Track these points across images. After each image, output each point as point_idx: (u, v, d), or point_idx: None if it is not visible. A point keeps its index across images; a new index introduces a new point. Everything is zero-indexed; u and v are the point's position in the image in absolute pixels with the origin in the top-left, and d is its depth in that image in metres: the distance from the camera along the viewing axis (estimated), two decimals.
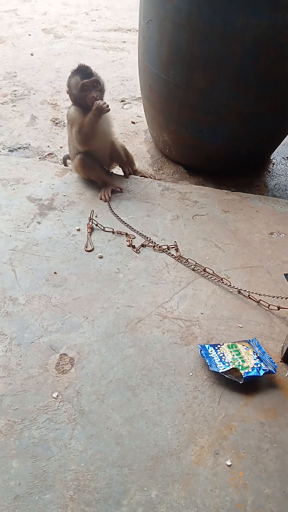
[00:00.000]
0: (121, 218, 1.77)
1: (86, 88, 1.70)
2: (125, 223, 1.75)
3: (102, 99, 1.73)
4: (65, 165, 2.06)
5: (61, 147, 2.28)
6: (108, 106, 1.72)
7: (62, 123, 2.47)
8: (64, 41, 3.37)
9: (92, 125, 1.74)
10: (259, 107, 1.80)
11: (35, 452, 1.08)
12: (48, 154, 2.25)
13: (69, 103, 2.62)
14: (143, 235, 1.70)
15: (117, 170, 2.06)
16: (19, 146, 2.27)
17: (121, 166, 2.01)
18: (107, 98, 2.70)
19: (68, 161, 2.01)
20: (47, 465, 1.06)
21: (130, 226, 1.73)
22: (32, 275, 1.52)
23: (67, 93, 1.79)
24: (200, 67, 1.74)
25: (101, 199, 1.86)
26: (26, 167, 2.01)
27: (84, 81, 1.69)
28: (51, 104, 2.63)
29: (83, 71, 1.71)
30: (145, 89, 2.08)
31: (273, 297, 1.46)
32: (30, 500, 1.00)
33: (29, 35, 3.41)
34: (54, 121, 2.48)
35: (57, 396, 1.19)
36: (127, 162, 2.00)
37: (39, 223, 1.73)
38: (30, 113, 2.54)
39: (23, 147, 2.27)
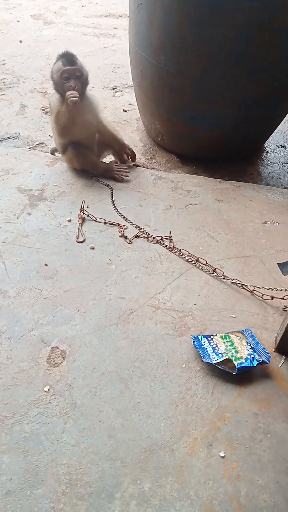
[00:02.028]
0: (117, 208, 1.74)
1: (66, 77, 1.63)
2: (120, 213, 1.72)
3: (80, 91, 1.64)
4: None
5: (51, 136, 2.23)
6: (76, 98, 1.61)
7: None
8: (53, 27, 3.29)
9: (66, 117, 1.68)
10: (252, 93, 1.77)
11: (26, 446, 1.06)
12: (38, 144, 2.20)
13: None
14: (136, 225, 1.67)
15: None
16: (8, 136, 2.23)
17: (116, 153, 1.97)
18: (98, 86, 2.66)
19: (57, 153, 1.97)
20: (38, 460, 1.04)
21: (124, 216, 1.71)
22: (22, 267, 1.49)
23: (50, 78, 1.71)
24: (192, 52, 1.69)
25: (120, 180, 1.86)
26: (16, 157, 1.97)
27: (65, 67, 1.62)
28: (41, 92, 2.57)
29: (67, 58, 1.64)
30: (136, 76, 2.04)
31: (267, 287, 1.44)
32: (22, 495, 0.99)
33: (18, 21, 3.33)
34: (44, 110, 2.43)
35: (48, 389, 1.17)
36: (121, 149, 1.95)
37: (29, 214, 1.70)
38: (20, 101, 2.48)
39: (13, 137, 2.22)
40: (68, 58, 1.63)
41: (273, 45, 1.62)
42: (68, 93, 1.63)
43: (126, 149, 1.94)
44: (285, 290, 1.44)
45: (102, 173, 1.88)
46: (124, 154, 1.96)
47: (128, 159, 1.98)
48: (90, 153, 1.84)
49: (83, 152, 1.82)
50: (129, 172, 1.88)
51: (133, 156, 1.97)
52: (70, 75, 1.63)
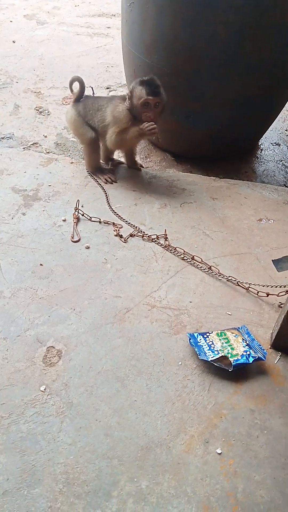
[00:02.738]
0: (110, 206, 1.74)
1: (146, 105, 1.64)
2: (115, 212, 1.72)
3: (156, 122, 1.67)
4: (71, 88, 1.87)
5: (45, 136, 2.23)
6: (155, 131, 1.68)
7: (46, 111, 2.41)
8: (47, 27, 3.28)
9: (131, 140, 1.74)
10: (245, 91, 1.77)
11: (23, 446, 1.06)
12: (33, 144, 2.20)
13: (53, 91, 2.58)
14: (131, 224, 1.67)
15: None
16: (2, 136, 2.22)
17: (127, 159, 2.00)
18: (92, 86, 2.65)
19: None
20: (35, 459, 1.04)
21: (119, 215, 1.71)
22: (17, 268, 1.49)
23: (127, 96, 1.69)
24: (184, 50, 1.70)
25: (106, 183, 1.86)
26: (10, 157, 1.97)
27: (149, 97, 1.62)
28: (35, 92, 2.57)
29: (151, 86, 1.63)
30: (129, 75, 2.04)
31: (263, 284, 1.45)
32: (19, 495, 0.98)
33: (11, 21, 3.32)
34: (38, 110, 2.42)
35: (44, 389, 1.17)
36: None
37: (24, 214, 1.70)
38: (13, 101, 2.48)
39: (6, 137, 2.22)
40: (153, 86, 1.63)
41: (265, 43, 1.62)
42: (146, 125, 1.66)
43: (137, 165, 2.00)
44: (280, 287, 1.44)
45: (94, 170, 1.89)
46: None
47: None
48: (99, 153, 1.90)
49: (97, 150, 1.87)
50: (115, 181, 1.89)
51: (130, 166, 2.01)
52: (151, 105, 1.65)
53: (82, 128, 1.80)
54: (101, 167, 1.92)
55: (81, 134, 1.81)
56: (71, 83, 1.82)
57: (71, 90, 1.84)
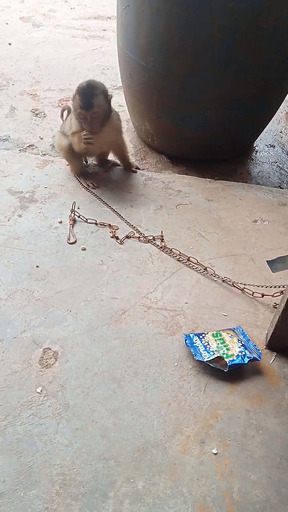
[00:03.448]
0: (106, 208, 1.75)
1: (82, 117, 1.64)
2: (115, 211, 1.73)
3: (97, 128, 1.66)
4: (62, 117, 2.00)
5: (41, 138, 2.24)
6: (90, 141, 1.66)
7: (42, 113, 2.42)
8: (42, 29, 3.29)
9: (77, 145, 1.73)
10: (240, 93, 1.78)
11: (19, 448, 1.06)
12: (29, 146, 2.20)
13: (49, 93, 2.59)
14: (130, 224, 1.68)
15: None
16: None
17: (120, 161, 1.99)
18: None
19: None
20: (32, 461, 1.04)
21: (120, 215, 1.71)
22: (13, 269, 1.49)
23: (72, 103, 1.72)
24: (179, 53, 1.71)
25: (88, 187, 1.85)
26: (6, 159, 1.97)
27: (81, 111, 1.62)
28: (31, 94, 2.57)
29: (86, 97, 1.60)
30: (125, 77, 2.04)
31: (258, 285, 1.46)
32: (15, 497, 0.99)
33: (7, 23, 3.33)
34: (34, 112, 2.43)
35: (41, 390, 1.17)
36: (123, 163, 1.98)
37: (20, 216, 1.70)
38: (9, 104, 2.48)
39: (3, 139, 2.22)
40: (87, 98, 1.60)
41: (260, 46, 1.63)
42: (83, 133, 1.66)
43: (132, 167, 1.99)
44: (275, 287, 1.45)
45: (78, 174, 1.90)
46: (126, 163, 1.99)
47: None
48: (80, 158, 1.89)
49: (77, 157, 1.86)
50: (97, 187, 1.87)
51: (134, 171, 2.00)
52: (87, 117, 1.63)
53: (60, 139, 1.84)
54: (85, 172, 1.92)
55: (59, 144, 1.85)
56: (62, 112, 1.99)
57: (62, 118, 1.97)
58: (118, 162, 2.00)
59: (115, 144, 1.87)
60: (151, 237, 1.63)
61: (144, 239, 1.63)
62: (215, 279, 1.50)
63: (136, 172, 1.98)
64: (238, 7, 1.52)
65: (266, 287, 1.45)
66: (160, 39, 1.71)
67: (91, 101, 1.61)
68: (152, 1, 1.64)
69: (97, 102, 1.62)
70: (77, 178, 1.88)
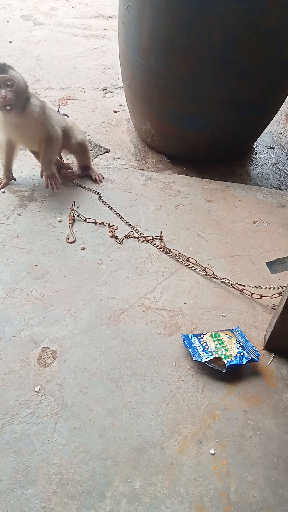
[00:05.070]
0: (106, 208, 1.75)
1: None
2: (115, 211, 1.72)
3: (13, 102, 1.51)
4: None
5: None
6: (9, 108, 1.52)
7: None
8: (43, 28, 3.29)
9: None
10: (240, 94, 1.79)
11: (17, 447, 1.06)
12: None
13: (50, 92, 2.59)
14: (130, 224, 1.68)
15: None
16: None
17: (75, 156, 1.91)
18: (88, 87, 2.67)
19: None
20: (29, 460, 1.04)
21: (120, 215, 1.71)
22: (12, 268, 1.49)
23: None
24: (181, 53, 1.71)
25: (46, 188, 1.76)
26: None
27: None
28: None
29: None
30: (126, 77, 2.05)
31: (256, 286, 1.46)
32: (13, 496, 0.99)
33: (8, 22, 3.32)
34: None
35: (39, 390, 1.17)
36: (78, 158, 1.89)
37: (19, 214, 1.70)
38: None
39: None
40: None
41: (260, 47, 1.63)
42: None
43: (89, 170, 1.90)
44: (274, 289, 1.45)
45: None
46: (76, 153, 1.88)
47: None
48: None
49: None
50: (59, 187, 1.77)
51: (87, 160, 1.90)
52: (1, 83, 1.49)
53: None
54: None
55: None
56: None
57: None
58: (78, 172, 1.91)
59: (47, 130, 1.69)
60: (151, 237, 1.63)
61: (144, 239, 1.63)
62: (214, 279, 1.50)
63: (96, 181, 1.88)
64: (240, 8, 1.52)
65: (265, 288, 1.46)
66: (162, 40, 1.71)
67: (4, 68, 1.50)
68: (154, 2, 1.64)
69: (10, 71, 1.52)
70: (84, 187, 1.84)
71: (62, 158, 1.95)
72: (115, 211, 1.74)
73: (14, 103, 1.54)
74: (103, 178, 1.92)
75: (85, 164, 1.90)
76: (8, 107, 1.53)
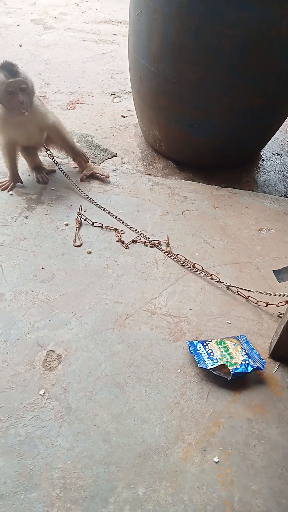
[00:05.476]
0: (112, 212, 1.75)
1: (12, 91, 1.55)
2: (117, 217, 1.73)
3: (27, 106, 1.59)
4: None
5: None
6: (25, 112, 1.59)
7: None
8: (53, 32, 3.31)
9: (11, 129, 1.68)
10: (249, 102, 1.79)
11: (21, 450, 1.06)
12: None
13: (58, 95, 2.60)
14: (134, 229, 1.68)
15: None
16: None
17: (73, 159, 1.95)
18: (96, 91, 2.69)
19: None
20: (33, 463, 1.04)
21: (122, 221, 1.72)
22: (19, 270, 1.49)
23: None
24: (190, 60, 1.72)
25: (38, 182, 1.85)
26: None
27: (10, 81, 1.53)
28: (40, 96, 2.57)
29: (8, 69, 1.54)
30: (135, 82, 2.06)
31: (262, 293, 1.46)
32: (16, 499, 0.99)
33: (18, 25, 3.35)
34: None
35: (44, 393, 1.17)
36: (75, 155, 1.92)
37: (26, 217, 1.70)
38: None
39: None
40: (10, 69, 1.54)
41: (270, 56, 1.64)
42: (16, 102, 1.56)
43: (80, 156, 1.93)
44: (280, 295, 1.45)
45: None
46: (80, 159, 1.93)
47: (85, 164, 1.95)
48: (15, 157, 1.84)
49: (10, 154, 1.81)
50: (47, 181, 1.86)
51: (86, 161, 1.94)
52: (16, 89, 1.56)
53: None
54: (40, 166, 1.91)
55: None
56: None
57: None
58: (55, 169, 1.94)
59: (50, 128, 1.78)
60: (157, 242, 1.63)
61: (150, 243, 1.63)
62: (220, 286, 1.50)
63: (86, 162, 1.92)
64: (250, 17, 1.53)
65: (271, 294, 1.45)
66: (172, 46, 1.72)
67: (14, 69, 1.55)
68: (165, 9, 1.65)
69: (22, 74, 1.58)
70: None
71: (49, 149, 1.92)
72: (122, 216, 1.74)
73: (29, 106, 1.61)
74: (88, 158, 1.96)
75: (71, 147, 1.90)
76: (25, 111, 1.59)
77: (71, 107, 2.49)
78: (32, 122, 1.70)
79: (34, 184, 1.86)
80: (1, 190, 1.81)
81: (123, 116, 2.48)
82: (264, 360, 1.25)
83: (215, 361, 1.22)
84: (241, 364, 1.22)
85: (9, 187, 1.82)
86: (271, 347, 1.30)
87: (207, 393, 1.20)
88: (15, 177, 1.84)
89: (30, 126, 1.71)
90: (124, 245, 1.62)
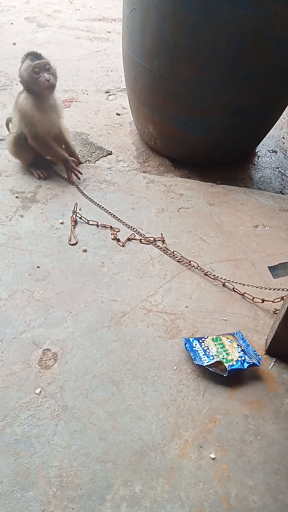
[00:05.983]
0: (107, 210, 1.75)
1: (38, 71, 1.68)
2: (113, 215, 1.72)
3: (53, 84, 1.72)
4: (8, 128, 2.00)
5: None
6: (54, 82, 1.72)
7: None
8: (47, 30, 3.30)
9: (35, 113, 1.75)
10: (244, 99, 1.79)
11: (17, 449, 1.06)
12: None
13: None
14: (130, 226, 1.68)
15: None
16: (1, 138, 2.22)
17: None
18: (91, 89, 2.68)
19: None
20: (29, 462, 1.04)
21: (118, 218, 1.71)
22: (14, 269, 1.49)
23: (20, 81, 1.75)
24: (185, 57, 1.71)
25: (39, 178, 1.88)
26: (8, 159, 1.97)
27: (35, 62, 1.67)
28: None
29: (33, 54, 1.70)
30: (129, 80, 2.05)
31: (258, 288, 1.46)
32: (12, 498, 0.98)
33: (12, 23, 3.33)
34: None
35: (40, 392, 1.17)
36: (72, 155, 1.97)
37: (21, 216, 1.70)
38: (13, 103, 2.47)
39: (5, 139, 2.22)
40: (35, 54, 1.70)
41: (264, 53, 1.64)
42: (43, 80, 1.68)
43: (75, 156, 1.97)
44: (276, 292, 1.45)
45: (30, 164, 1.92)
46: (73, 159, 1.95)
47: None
48: (31, 150, 1.87)
49: (24, 148, 1.86)
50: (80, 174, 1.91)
51: (78, 162, 1.98)
52: (41, 69, 1.69)
53: (8, 137, 1.89)
54: (37, 162, 1.92)
55: (8, 141, 1.89)
56: (7, 124, 2.00)
57: (8, 129, 1.98)
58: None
59: (60, 125, 1.87)
60: (152, 238, 1.63)
61: (145, 240, 1.63)
62: (216, 283, 1.50)
63: (78, 163, 1.96)
64: (245, 14, 1.53)
65: (267, 289, 1.46)
66: (166, 43, 1.72)
67: (39, 53, 1.71)
68: (159, 6, 1.65)
69: (47, 58, 1.72)
70: (32, 169, 1.91)
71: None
72: (117, 213, 1.74)
73: (55, 85, 1.74)
74: (80, 160, 2.01)
75: (68, 145, 1.96)
76: (51, 89, 1.72)
77: (65, 105, 2.48)
78: (54, 109, 1.81)
79: (29, 183, 1.85)
80: (78, 175, 1.89)
81: (118, 114, 2.48)
82: (260, 357, 1.25)
83: (211, 358, 1.22)
84: (237, 361, 1.22)
85: (76, 169, 1.88)
86: (267, 344, 1.30)
87: (204, 390, 1.20)
88: (67, 158, 1.87)
89: (52, 114, 1.81)
90: (120, 243, 1.62)
